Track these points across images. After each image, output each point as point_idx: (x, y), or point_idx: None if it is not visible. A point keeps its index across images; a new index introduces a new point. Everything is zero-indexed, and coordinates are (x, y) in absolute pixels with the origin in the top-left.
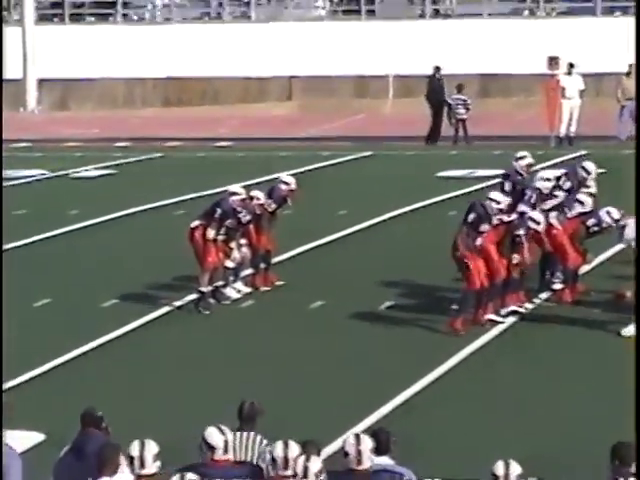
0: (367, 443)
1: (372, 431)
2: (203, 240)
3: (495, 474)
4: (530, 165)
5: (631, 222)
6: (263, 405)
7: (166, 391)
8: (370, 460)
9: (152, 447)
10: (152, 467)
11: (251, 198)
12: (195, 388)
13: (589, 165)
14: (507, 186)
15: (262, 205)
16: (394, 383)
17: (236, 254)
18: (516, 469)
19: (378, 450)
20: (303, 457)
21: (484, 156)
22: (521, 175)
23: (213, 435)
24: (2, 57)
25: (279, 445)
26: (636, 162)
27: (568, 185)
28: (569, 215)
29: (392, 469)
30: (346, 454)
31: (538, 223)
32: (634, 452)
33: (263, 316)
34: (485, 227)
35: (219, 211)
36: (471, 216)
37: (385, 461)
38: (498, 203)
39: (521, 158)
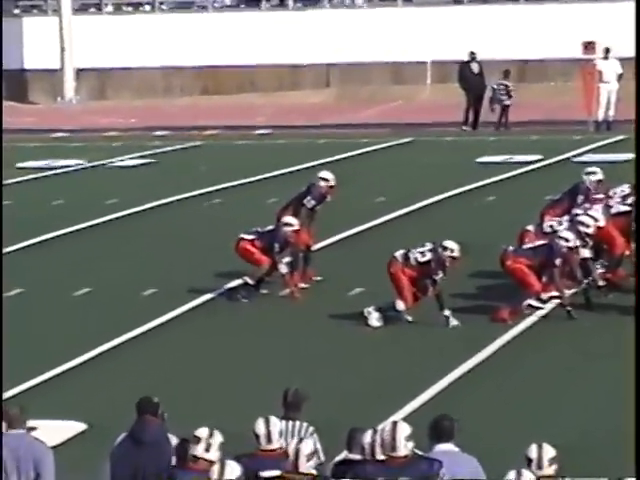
0: (403, 430)
1: (435, 418)
2: (251, 250)
3: (528, 457)
4: (600, 181)
5: None
6: (307, 391)
7: (208, 379)
8: (406, 447)
9: (218, 437)
10: (215, 455)
11: (285, 224)
12: (238, 375)
13: None
14: (580, 199)
15: (296, 231)
16: (429, 371)
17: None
18: (549, 452)
19: (442, 437)
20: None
21: (523, 142)
22: (589, 190)
23: (258, 425)
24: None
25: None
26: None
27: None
28: (613, 212)
29: (433, 457)
30: (382, 441)
31: (588, 226)
32: None
33: (303, 303)
34: (558, 261)
35: (277, 245)
36: (541, 252)
37: (450, 448)
38: (567, 241)
39: (592, 173)
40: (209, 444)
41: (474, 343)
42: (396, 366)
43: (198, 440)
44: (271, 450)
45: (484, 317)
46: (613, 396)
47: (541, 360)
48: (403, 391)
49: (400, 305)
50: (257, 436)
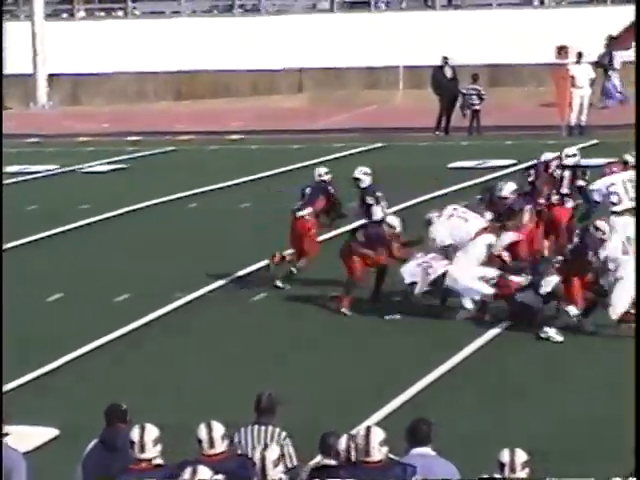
0: (377, 435)
1: (412, 422)
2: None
3: (501, 461)
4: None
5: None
6: (280, 396)
7: (182, 383)
8: (380, 452)
9: (152, 431)
10: (152, 451)
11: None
12: (211, 379)
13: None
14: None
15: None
16: (406, 373)
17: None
18: (521, 456)
19: (419, 441)
20: (260, 447)
21: (495, 146)
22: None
23: (200, 430)
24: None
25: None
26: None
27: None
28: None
29: (406, 462)
30: (356, 446)
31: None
32: None
33: (283, 305)
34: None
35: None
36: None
37: (427, 452)
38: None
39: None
40: (142, 444)
41: (451, 345)
42: (372, 369)
43: (132, 443)
44: (214, 455)
45: (461, 320)
46: (596, 399)
47: (520, 363)
48: (379, 395)
49: (573, 310)
50: (200, 441)
